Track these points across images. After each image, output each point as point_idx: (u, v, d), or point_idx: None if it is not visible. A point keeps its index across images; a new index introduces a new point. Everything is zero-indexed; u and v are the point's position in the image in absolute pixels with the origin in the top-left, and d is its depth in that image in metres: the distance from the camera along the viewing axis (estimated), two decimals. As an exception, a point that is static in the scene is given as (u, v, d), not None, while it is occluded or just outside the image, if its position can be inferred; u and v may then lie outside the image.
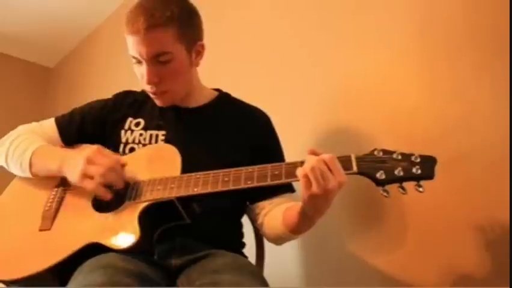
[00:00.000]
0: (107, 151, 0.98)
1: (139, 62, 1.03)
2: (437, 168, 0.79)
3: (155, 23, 0.97)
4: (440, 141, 1.11)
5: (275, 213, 1.04)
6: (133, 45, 1.01)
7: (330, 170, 0.79)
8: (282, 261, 1.40)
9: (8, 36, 3.06)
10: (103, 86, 2.75)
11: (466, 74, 1.11)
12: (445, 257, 1.07)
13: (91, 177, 0.93)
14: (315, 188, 0.79)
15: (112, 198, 0.94)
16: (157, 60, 1.01)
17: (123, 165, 0.97)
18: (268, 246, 1.19)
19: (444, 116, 1.13)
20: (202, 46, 1.11)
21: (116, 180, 0.93)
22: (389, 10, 1.31)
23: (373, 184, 0.83)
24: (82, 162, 0.94)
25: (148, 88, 1.07)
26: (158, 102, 1.11)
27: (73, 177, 0.96)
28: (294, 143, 1.27)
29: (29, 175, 1.06)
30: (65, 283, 0.83)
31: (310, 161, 0.80)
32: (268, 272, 1.07)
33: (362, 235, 1.27)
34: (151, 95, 1.09)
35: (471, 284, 1.02)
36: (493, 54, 1.07)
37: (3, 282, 0.91)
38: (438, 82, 1.17)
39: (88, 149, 0.97)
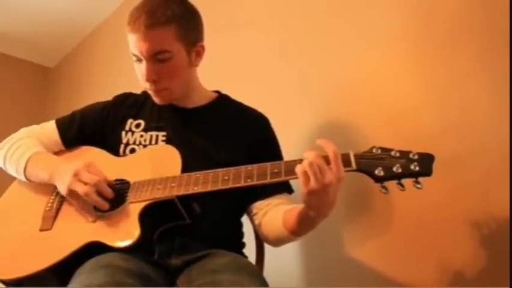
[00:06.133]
0: (95, 168, 0.97)
1: (139, 59, 1.05)
2: (435, 165, 0.79)
3: (156, 21, 0.99)
4: (439, 139, 1.11)
5: (274, 214, 1.03)
6: (133, 43, 1.03)
7: (328, 163, 0.80)
8: (282, 261, 1.40)
9: (8, 36, 3.06)
10: (103, 86, 2.75)
11: (463, 69, 1.11)
12: (445, 257, 1.08)
13: (77, 194, 0.94)
14: (313, 183, 0.79)
15: (113, 198, 0.95)
16: (156, 58, 1.02)
17: (109, 184, 0.97)
18: (268, 246, 1.19)
19: (442, 113, 1.13)
20: (202, 47, 1.13)
21: (97, 201, 0.93)
22: (384, 7, 1.31)
23: (373, 185, 0.83)
24: (69, 176, 0.95)
25: (147, 85, 1.08)
26: (156, 100, 1.12)
27: (61, 190, 0.98)
28: (292, 142, 1.28)
29: (24, 180, 1.08)
30: (65, 283, 0.83)
31: (309, 156, 0.80)
32: (268, 272, 1.06)
33: (361, 235, 1.27)
34: (150, 92, 1.11)
35: (471, 284, 1.02)
36: (491, 48, 1.07)
37: (3, 282, 0.91)
38: (434, 79, 1.17)
39: (77, 163, 0.97)
